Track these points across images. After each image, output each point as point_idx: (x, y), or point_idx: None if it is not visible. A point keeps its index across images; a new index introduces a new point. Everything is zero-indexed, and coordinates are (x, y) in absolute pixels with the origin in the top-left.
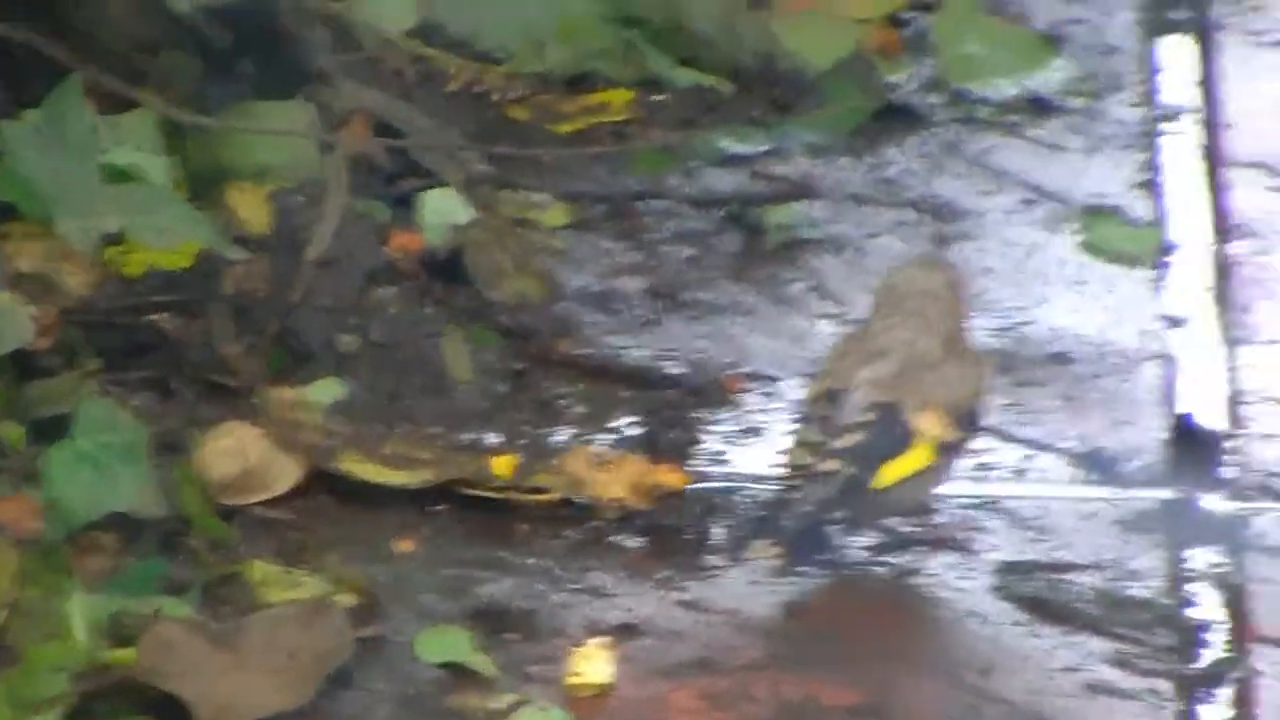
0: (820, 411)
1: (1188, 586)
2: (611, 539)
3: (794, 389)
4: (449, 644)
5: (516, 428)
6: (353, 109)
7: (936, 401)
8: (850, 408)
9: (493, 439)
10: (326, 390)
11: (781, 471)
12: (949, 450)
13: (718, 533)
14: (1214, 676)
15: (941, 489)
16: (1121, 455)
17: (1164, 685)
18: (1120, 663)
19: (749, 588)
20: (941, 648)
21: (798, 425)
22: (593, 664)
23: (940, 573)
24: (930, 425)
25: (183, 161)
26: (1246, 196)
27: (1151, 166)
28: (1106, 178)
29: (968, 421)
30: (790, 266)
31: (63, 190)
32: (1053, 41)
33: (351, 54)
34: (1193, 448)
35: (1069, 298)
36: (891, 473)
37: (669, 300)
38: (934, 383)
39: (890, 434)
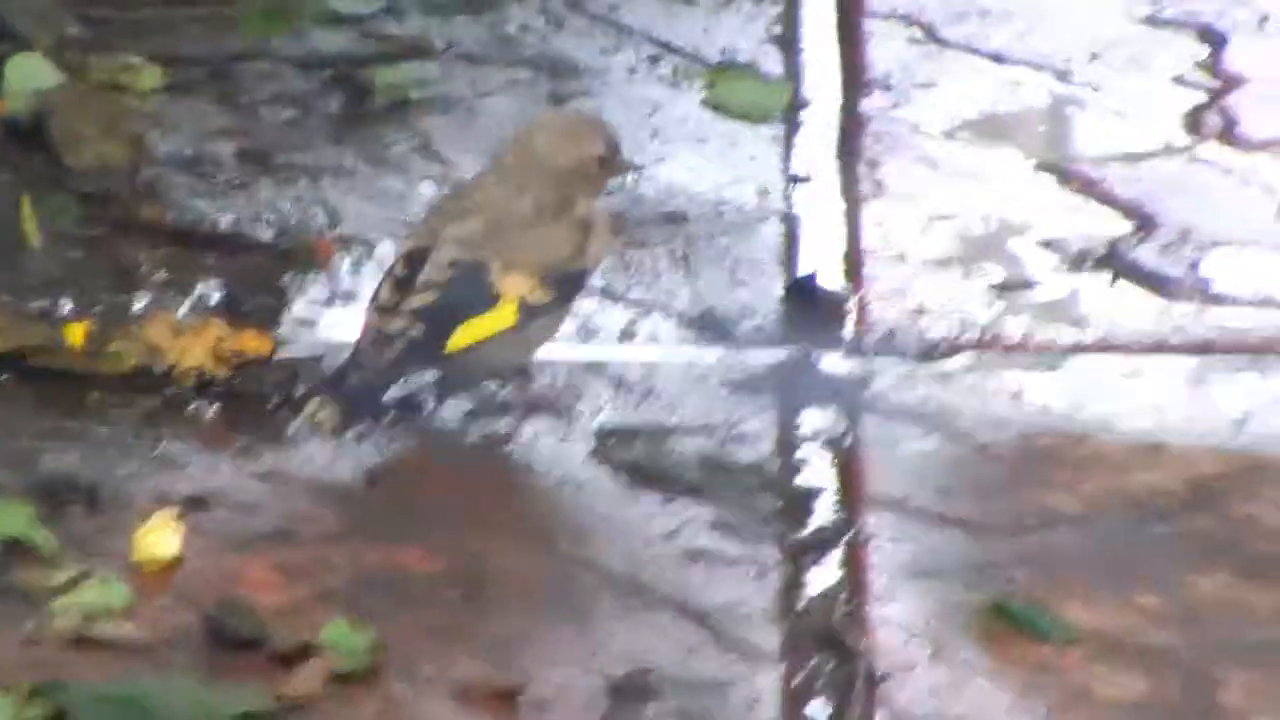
0: (400, 270)
1: (798, 451)
2: (189, 407)
3: (391, 253)
4: (8, 518)
5: (92, 295)
6: None
7: (524, 262)
8: (431, 266)
9: (67, 307)
10: None
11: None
12: (535, 313)
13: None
14: (822, 541)
15: (541, 353)
16: (735, 316)
17: (769, 551)
18: (723, 528)
19: (330, 456)
20: (534, 515)
21: (376, 286)
22: (159, 536)
23: (535, 438)
24: (514, 286)
25: None
26: (885, 49)
27: (788, 19)
28: (738, 32)
29: (561, 285)
30: (396, 128)
31: None
32: None
33: None
34: (810, 307)
35: (689, 156)
36: (467, 334)
37: (262, 164)
38: (523, 243)
39: (470, 294)
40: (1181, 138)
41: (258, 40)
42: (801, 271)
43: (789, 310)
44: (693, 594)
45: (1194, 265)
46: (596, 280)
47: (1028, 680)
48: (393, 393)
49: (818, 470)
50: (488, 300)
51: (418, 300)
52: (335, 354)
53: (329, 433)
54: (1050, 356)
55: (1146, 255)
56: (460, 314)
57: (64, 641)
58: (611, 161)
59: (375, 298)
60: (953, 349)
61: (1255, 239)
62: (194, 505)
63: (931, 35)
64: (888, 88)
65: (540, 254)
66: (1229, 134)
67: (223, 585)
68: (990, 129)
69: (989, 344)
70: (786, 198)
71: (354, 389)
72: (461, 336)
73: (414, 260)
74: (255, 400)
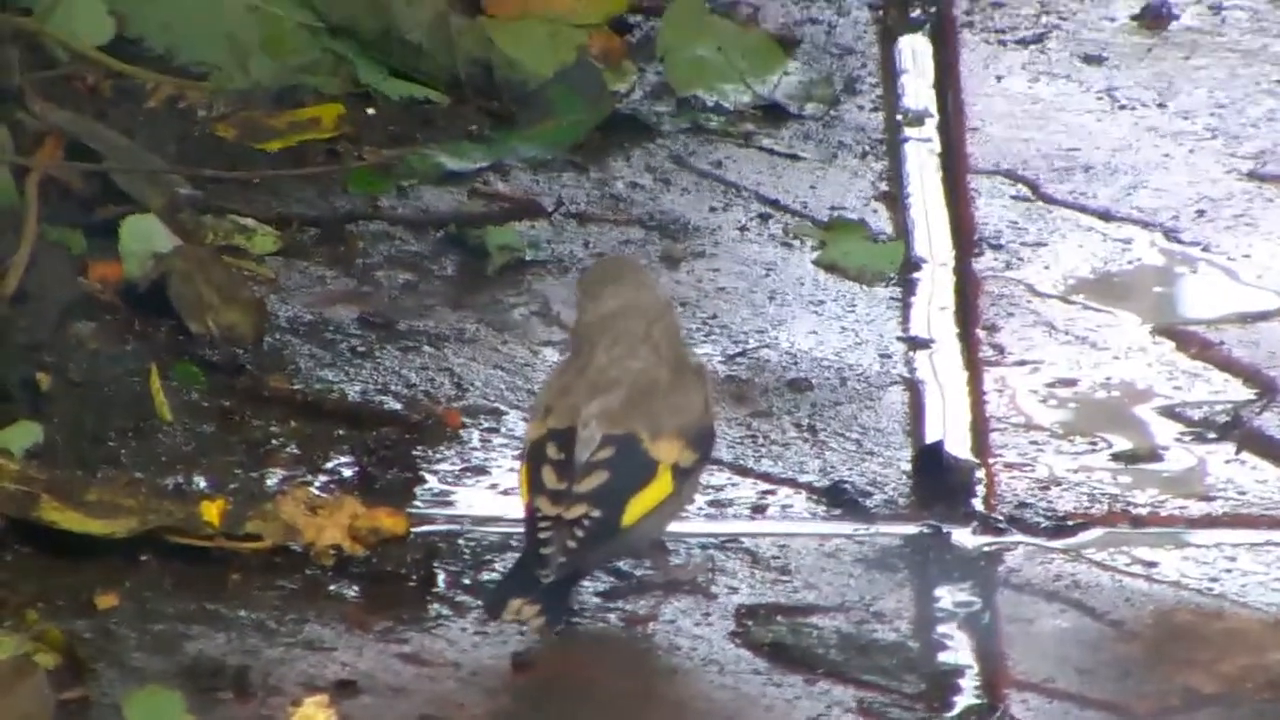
0: (552, 455)
1: (937, 628)
2: (329, 588)
3: (519, 422)
4: (159, 706)
5: (225, 470)
6: (46, 130)
7: (670, 427)
8: (584, 446)
9: (201, 483)
10: (23, 434)
11: (530, 523)
12: (685, 475)
13: (442, 579)
14: None
15: (676, 526)
16: (865, 489)
17: None
18: (867, 712)
19: (475, 638)
20: (679, 700)
21: (531, 473)
22: None
23: (676, 619)
24: (666, 453)
25: None
26: (991, 206)
27: (893, 175)
28: (846, 188)
29: (701, 442)
30: (514, 291)
31: None
32: (785, 43)
33: (44, 71)
34: (939, 479)
35: (808, 319)
36: (639, 507)
37: (384, 330)
38: (664, 409)
39: (632, 467)
40: None
41: (366, 199)
42: (928, 440)
43: (918, 481)
44: None
45: None
46: (725, 454)
47: None
48: (575, 581)
49: (958, 649)
50: (648, 471)
51: (589, 483)
52: (473, 532)
53: (537, 633)
54: (1180, 530)
55: (1269, 423)
56: (626, 489)
57: None
58: None
59: (539, 486)
60: (1083, 522)
61: None
62: (343, 690)
63: (1036, 192)
64: (998, 247)
65: (681, 417)
66: None
67: None
68: (1104, 290)
69: (1118, 517)
70: (908, 363)
71: (551, 584)
72: (635, 509)
73: (561, 442)
74: (395, 580)
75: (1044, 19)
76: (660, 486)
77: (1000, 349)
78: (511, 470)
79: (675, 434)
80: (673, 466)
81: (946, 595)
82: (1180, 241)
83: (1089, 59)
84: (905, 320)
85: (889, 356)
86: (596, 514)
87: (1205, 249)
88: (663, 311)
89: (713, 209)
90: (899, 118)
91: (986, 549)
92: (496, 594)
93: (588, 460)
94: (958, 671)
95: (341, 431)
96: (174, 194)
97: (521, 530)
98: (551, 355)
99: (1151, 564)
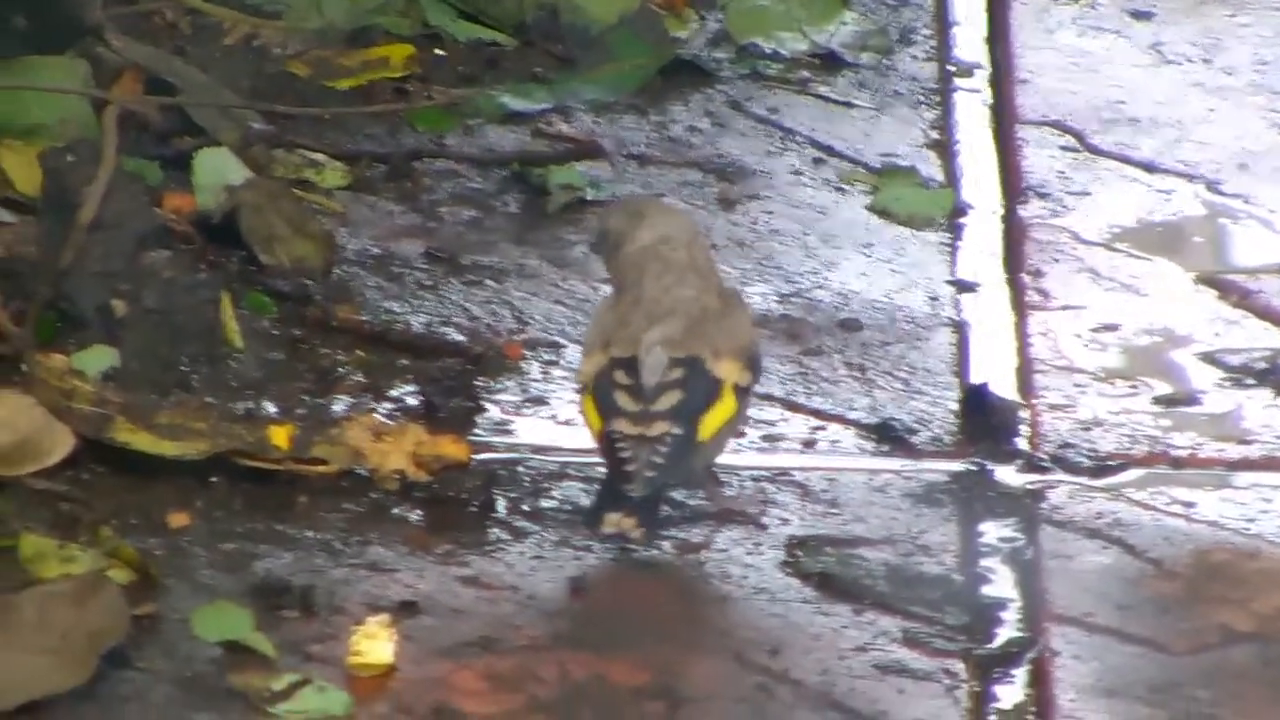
0: (622, 380)
1: (981, 563)
2: (392, 511)
3: (578, 355)
4: (228, 622)
5: (294, 397)
6: (125, 65)
7: (727, 349)
8: (651, 370)
9: (270, 408)
10: (99, 358)
11: (608, 447)
12: (744, 395)
13: (501, 505)
14: (1009, 656)
15: (729, 459)
16: (912, 426)
17: (958, 665)
18: (912, 642)
19: (532, 563)
20: (730, 626)
21: (601, 400)
22: (374, 643)
23: (728, 548)
24: (728, 373)
25: None
26: (1039, 155)
27: (944, 125)
28: (898, 136)
29: (754, 365)
30: (573, 229)
31: None
32: None
33: (124, 7)
34: (985, 418)
35: (858, 262)
36: (711, 423)
37: (449, 264)
38: (719, 332)
39: (701, 385)
40: None
41: (434, 137)
42: (974, 381)
43: (964, 420)
44: (886, 709)
45: None
46: (777, 389)
47: None
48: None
49: (1001, 584)
50: (716, 389)
51: (665, 402)
52: (532, 460)
53: (637, 543)
54: (1218, 472)
55: None
56: (701, 406)
57: None
58: None
59: (615, 409)
60: (1124, 463)
61: None
62: (405, 610)
63: (1083, 142)
64: (1045, 195)
65: (734, 339)
66: None
67: (436, 694)
68: (1147, 239)
69: (1158, 458)
70: (956, 305)
71: (644, 497)
72: (708, 426)
73: (628, 368)
74: (456, 505)
75: None
76: (726, 405)
77: (1045, 294)
78: (571, 402)
79: (733, 355)
80: (734, 385)
81: (990, 531)
82: (1222, 193)
83: (1137, 14)
84: (953, 264)
85: (937, 299)
86: (677, 430)
87: (1246, 201)
88: (696, 236)
89: (768, 153)
90: (951, 69)
91: (1030, 487)
92: (592, 510)
93: (659, 382)
94: (1000, 605)
95: (406, 361)
96: (247, 129)
97: (579, 460)
98: (609, 291)
99: (1190, 504)
